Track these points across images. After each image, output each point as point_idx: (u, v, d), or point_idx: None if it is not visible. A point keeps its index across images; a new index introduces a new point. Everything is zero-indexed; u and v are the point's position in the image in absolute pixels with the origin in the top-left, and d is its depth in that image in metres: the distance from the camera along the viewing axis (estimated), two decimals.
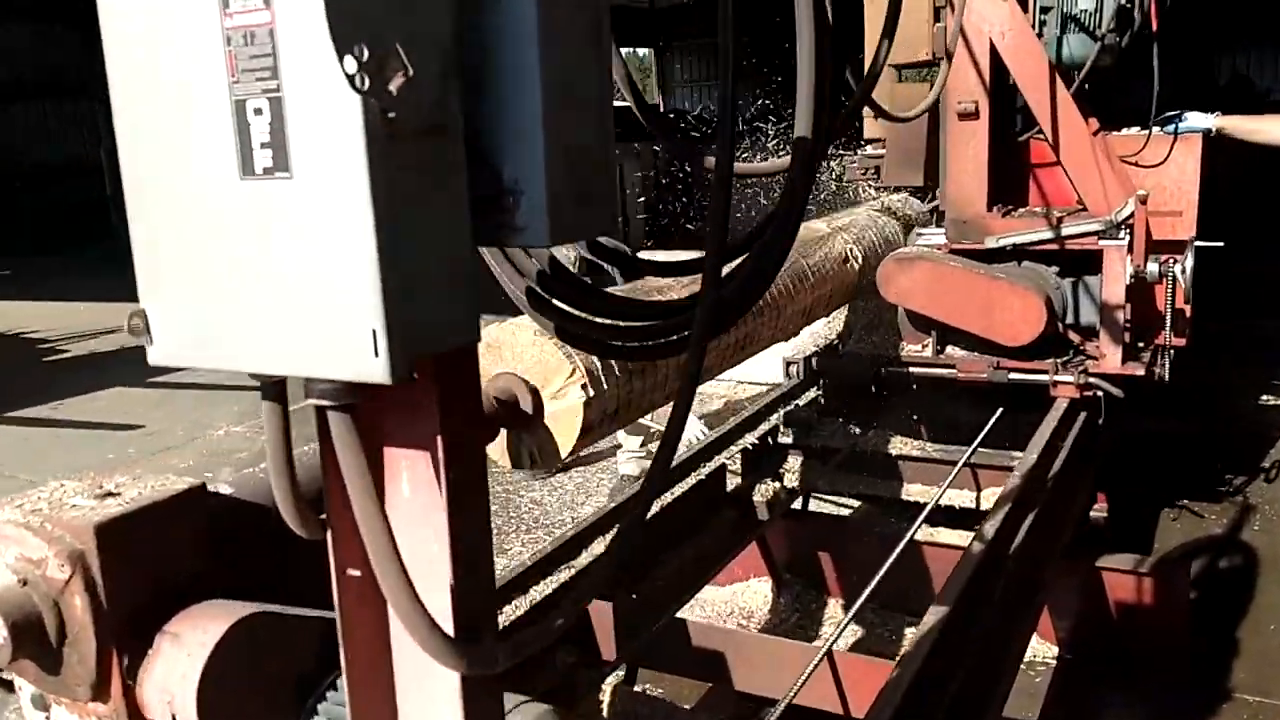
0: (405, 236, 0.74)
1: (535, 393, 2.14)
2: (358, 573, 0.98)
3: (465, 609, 0.93)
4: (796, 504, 3.85)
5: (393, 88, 0.70)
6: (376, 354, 0.73)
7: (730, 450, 3.39)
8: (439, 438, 0.88)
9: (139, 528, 1.25)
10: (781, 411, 3.61)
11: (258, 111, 0.74)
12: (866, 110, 3.63)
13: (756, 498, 3.42)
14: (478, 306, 0.86)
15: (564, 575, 2.44)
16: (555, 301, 1.31)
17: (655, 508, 2.95)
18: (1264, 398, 5.87)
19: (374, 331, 0.72)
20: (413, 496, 0.96)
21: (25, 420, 7.13)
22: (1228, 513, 4.46)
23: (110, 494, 1.23)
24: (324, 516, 0.97)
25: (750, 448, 3.47)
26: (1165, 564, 3.42)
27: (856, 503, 4.48)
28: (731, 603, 3.92)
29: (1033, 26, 3.24)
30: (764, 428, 3.52)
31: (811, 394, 3.70)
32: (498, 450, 2.24)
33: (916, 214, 3.64)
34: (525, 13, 0.81)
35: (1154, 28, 3.17)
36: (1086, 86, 3.53)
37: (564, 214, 0.86)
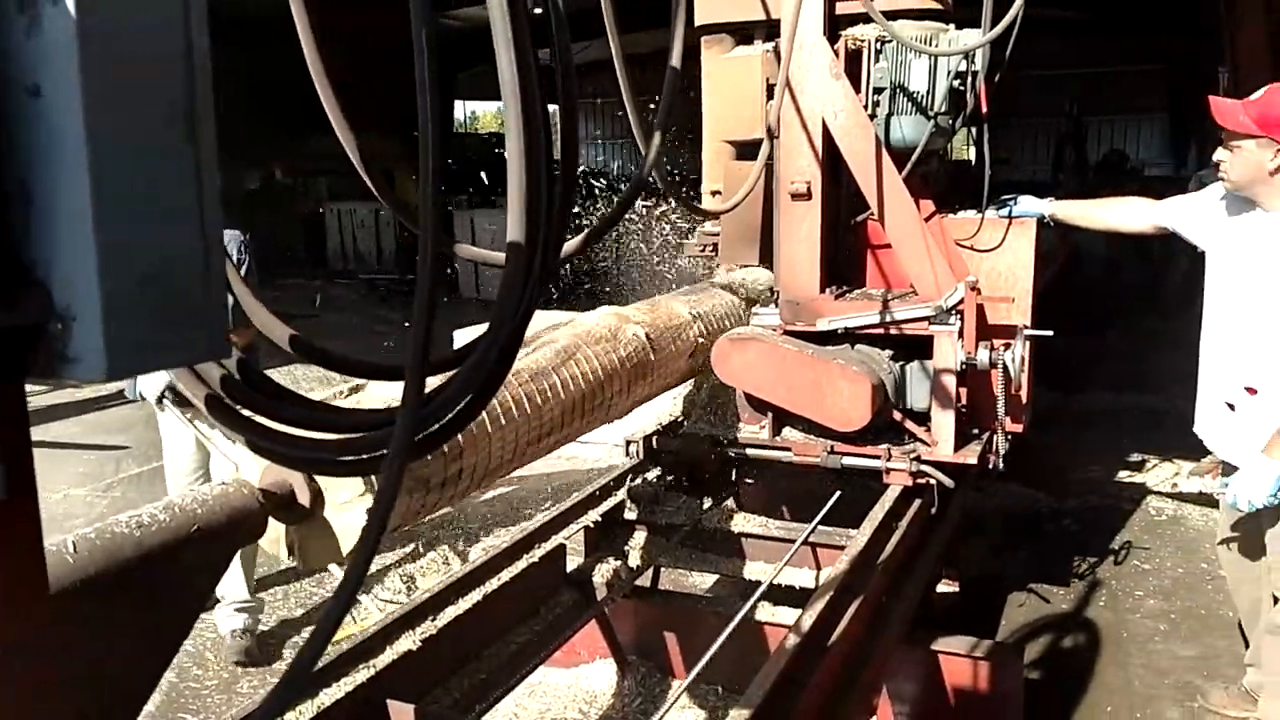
0: None
1: (315, 486, 2.02)
2: None
3: None
4: (646, 581, 3.76)
5: None
6: None
7: (570, 529, 3.30)
8: None
9: None
10: (627, 486, 3.53)
11: None
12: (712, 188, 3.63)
13: (597, 578, 3.32)
14: (24, 448, 0.73)
15: None
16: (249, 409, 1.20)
17: (478, 594, 2.82)
18: (1121, 474, 6.01)
19: None
20: None
21: None
22: (1075, 589, 4.50)
23: None
24: None
25: (593, 525, 3.39)
26: (1000, 648, 3.39)
27: (714, 577, 4.41)
28: (575, 687, 3.77)
29: (866, 107, 3.20)
30: (607, 504, 3.44)
31: (655, 472, 3.62)
32: (273, 543, 2.11)
33: (762, 291, 3.58)
34: (67, 102, 0.69)
35: (984, 110, 3.17)
36: (927, 167, 3.56)
37: (129, 345, 0.73)
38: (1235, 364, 3.17)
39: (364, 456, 1.17)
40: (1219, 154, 3.10)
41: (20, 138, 0.71)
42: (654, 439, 3.53)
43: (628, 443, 3.53)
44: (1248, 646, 3.55)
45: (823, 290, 3.30)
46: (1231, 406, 3.19)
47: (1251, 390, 3.11)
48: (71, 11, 0.69)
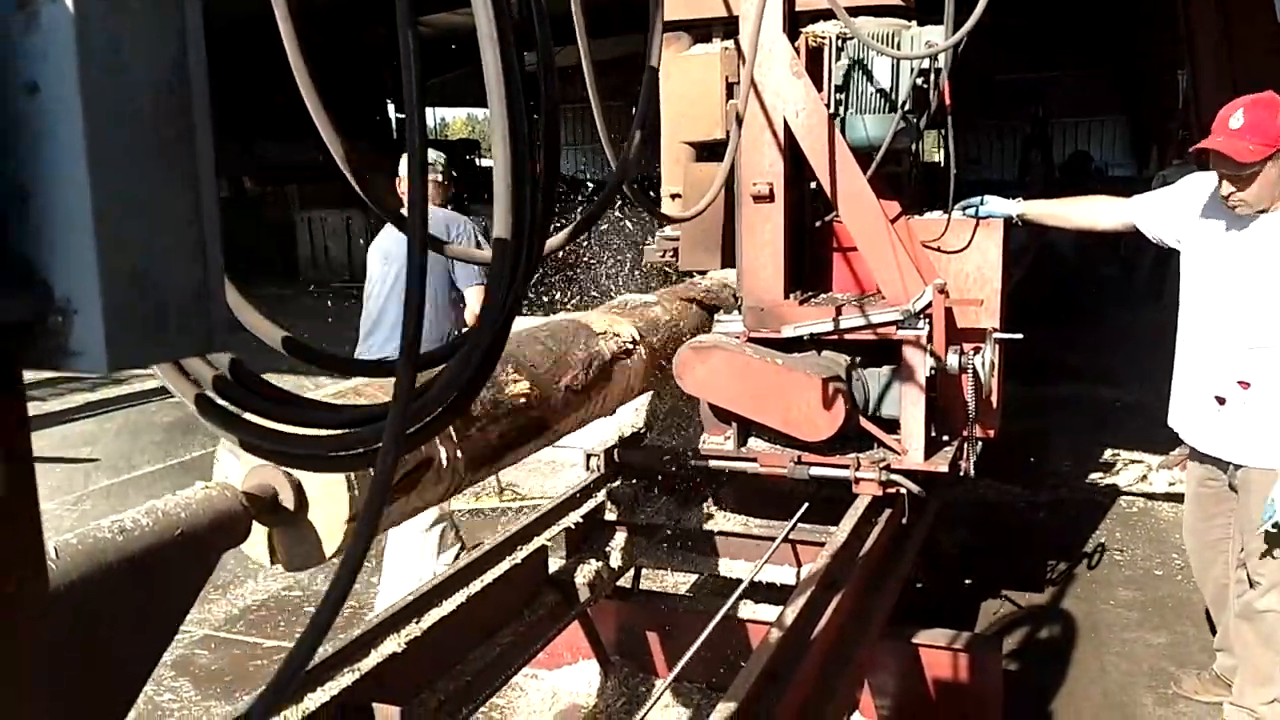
0: None
1: (298, 488, 2.01)
2: None
3: None
4: (627, 582, 3.76)
5: None
6: None
7: (551, 530, 3.29)
8: None
9: None
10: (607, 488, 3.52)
11: None
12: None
13: (579, 579, 3.32)
14: (23, 443, 0.74)
15: None
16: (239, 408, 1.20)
17: (461, 596, 2.81)
18: (1092, 467, 6.08)
19: None
20: None
21: None
22: (1051, 581, 4.55)
23: None
24: None
25: (574, 526, 3.38)
26: (979, 640, 3.42)
27: (694, 576, 4.43)
28: (558, 688, 3.77)
29: (828, 106, 3.13)
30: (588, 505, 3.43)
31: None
32: (256, 548, 2.10)
33: (726, 298, 3.50)
34: (66, 98, 0.70)
35: (948, 106, 3.10)
36: (898, 168, 3.54)
37: (129, 338, 0.75)
38: (1224, 358, 3.11)
39: (355, 452, 1.18)
40: (1225, 189, 2.99)
41: (18, 134, 0.72)
42: (615, 452, 3.47)
43: (588, 456, 3.47)
44: (1215, 633, 3.61)
45: (787, 295, 3.21)
46: (1221, 401, 3.13)
47: (1244, 384, 3.06)
48: (70, 7, 0.70)
